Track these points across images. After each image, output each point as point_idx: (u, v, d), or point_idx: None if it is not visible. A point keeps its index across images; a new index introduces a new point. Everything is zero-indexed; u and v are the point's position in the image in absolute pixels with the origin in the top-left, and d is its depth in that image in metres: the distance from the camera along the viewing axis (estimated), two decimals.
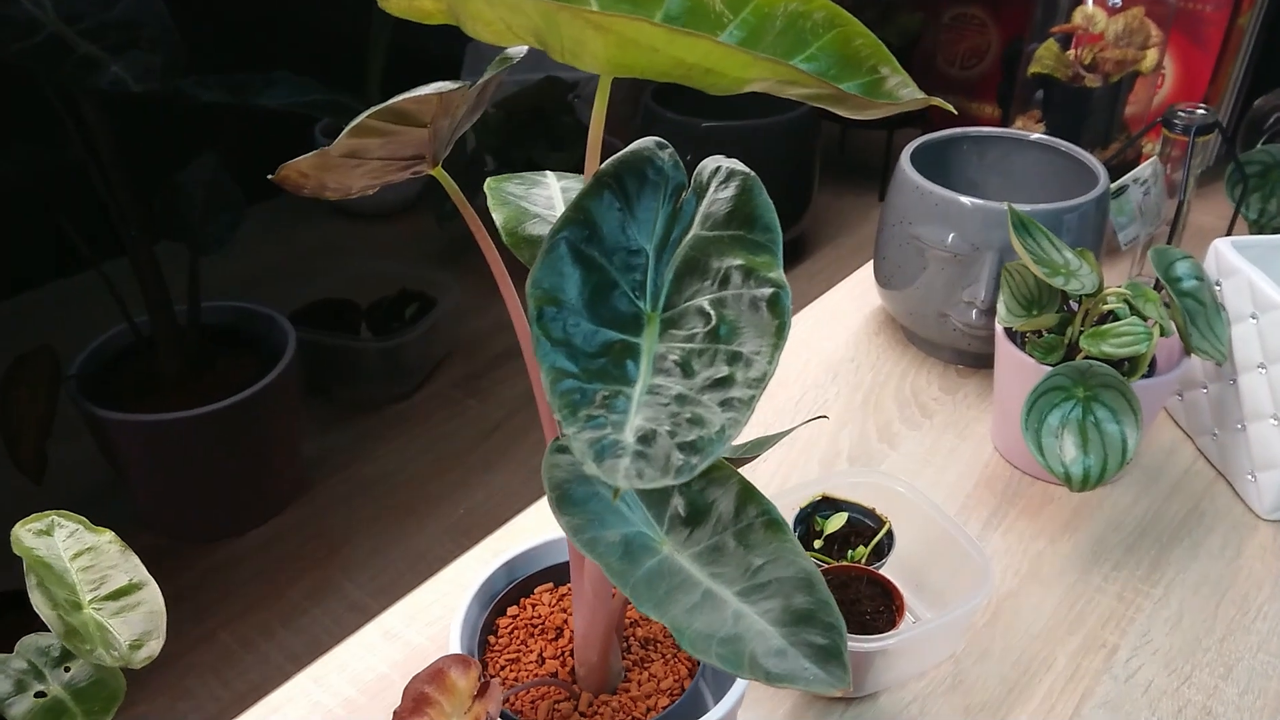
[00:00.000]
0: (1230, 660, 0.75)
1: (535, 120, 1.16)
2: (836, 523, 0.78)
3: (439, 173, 0.45)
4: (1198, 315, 0.87)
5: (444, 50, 1.46)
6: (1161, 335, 0.82)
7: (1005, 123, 1.34)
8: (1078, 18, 1.14)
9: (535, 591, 0.66)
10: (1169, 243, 1.06)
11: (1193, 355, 0.85)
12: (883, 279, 1.08)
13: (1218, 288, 0.90)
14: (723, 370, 0.39)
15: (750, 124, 1.14)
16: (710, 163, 0.43)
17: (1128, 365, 0.83)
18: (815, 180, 1.23)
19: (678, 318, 0.41)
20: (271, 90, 0.76)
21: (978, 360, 1.05)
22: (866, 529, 0.79)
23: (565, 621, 0.63)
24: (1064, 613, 0.79)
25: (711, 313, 0.40)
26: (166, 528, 0.87)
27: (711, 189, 0.43)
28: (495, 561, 0.66)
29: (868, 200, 1.38)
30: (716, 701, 0.58)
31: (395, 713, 0.50)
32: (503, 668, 0.61)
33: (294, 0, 1.33)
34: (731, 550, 0.45)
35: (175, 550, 0.85)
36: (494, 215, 0.54)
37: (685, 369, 0.39)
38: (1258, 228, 1.14)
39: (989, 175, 1.11)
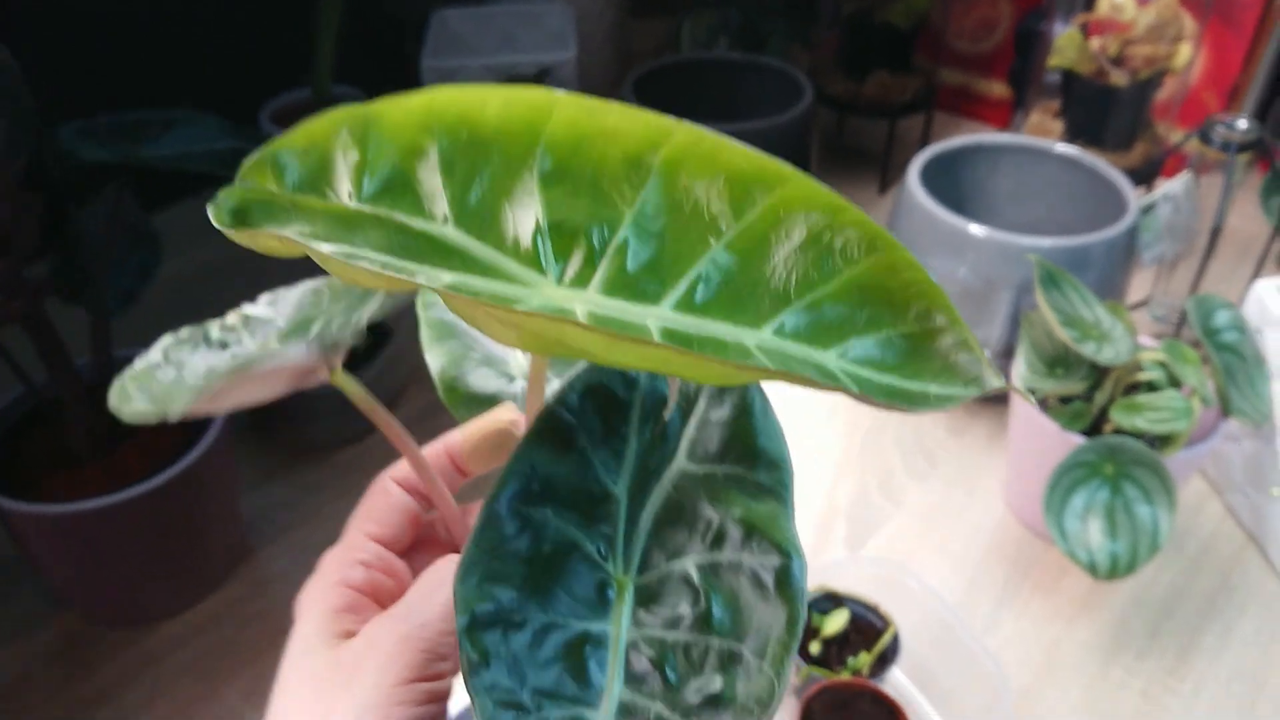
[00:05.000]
0: None
1: None
2: (837, 622, 0.70)
3: (341, 380, 0.35)
4: (1237, 371, 0.78)
5: (406, 17, 1.32)
6: (1203, 405, 0.73)
7: (1017, 107, 1.23)
8: (1104, 6, 1.03)
9: None
10: (1201, 270, 0.96)
11: (1229, 417, 0.76)
12: None
13: (1258, 335, 0.81)
14: (715, 682, 0.29)
15: (743, 127, 1.03)
16: None
17: (1160, 440, 0.74)
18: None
19: (657, 588, 0.31)
20: (167, 137, 0.65)
21: (986, 398, 0.96)
22: (869, 629, 0.71)
23: None
24: (1084, 717, 0.71)
25: (700, 587, 0.31)
26: (85, 611, 0.78)
27: (701, 405, 0.33)
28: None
29: (868, 193, 1.27)
30: None
31: None
32: None
33: None
34: None
35: (95, 637, 0.76)
36: (428, 358, 0.44)
37: (666, 674, 0.30)
38: None
39: (1003, 183, 1.01)
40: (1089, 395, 0.77)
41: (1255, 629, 0.77)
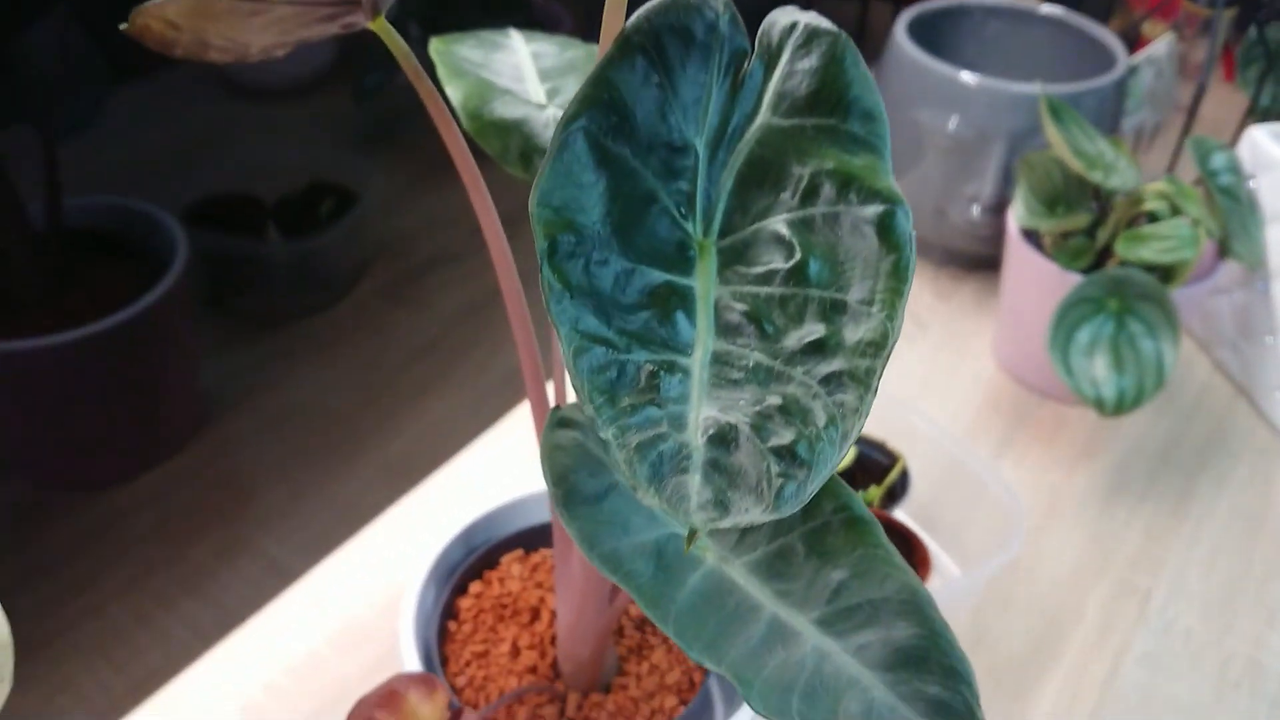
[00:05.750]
0: (1273, 605, 0.67)
1: None
2: (844, 459, 0.67)
3: (381, 27, 0.30)
4: (1232, 214, 0.77)
5: None
6: (1207, 236, 0.72)
7: None
8: None
9: (501, 563, 0.54)
10: (1185, 131, 0.95)
11: (1227, 259, 0.75)
12: None
13: (1251, 183, 0.80)
14: (817, 329, 0.26)
15: None
16: (782, 17, 0.30)
17: (1164, 273, 0.73)
18: None
19: (743, 248, 0.28)
20: None
21: (973, 262, 0.94)
22: (876, 465, 0.68)
23: (542, 600, 0.52)
24: (1090, 553, 0.70)
25: (794, 240, 0.28)
26: (35, 475, 0.72)
27: (786, 57, 0.30)
28: (450, 529, 0.53)
29: None
30: (732, 701, 0.48)
31: None
32: (468, 664, 0.49)
33: None
34: (802, 559, 0.33)
35: (47, 503, 0.71)
36: (448, 90, 0.40)
37: (763, 326, 0.26)
38: (1262, 115, 1.04)
39: (989, 52, 0.99)
40: (1091, 231, 0.75)
41: (1250, 473, 0.77)
